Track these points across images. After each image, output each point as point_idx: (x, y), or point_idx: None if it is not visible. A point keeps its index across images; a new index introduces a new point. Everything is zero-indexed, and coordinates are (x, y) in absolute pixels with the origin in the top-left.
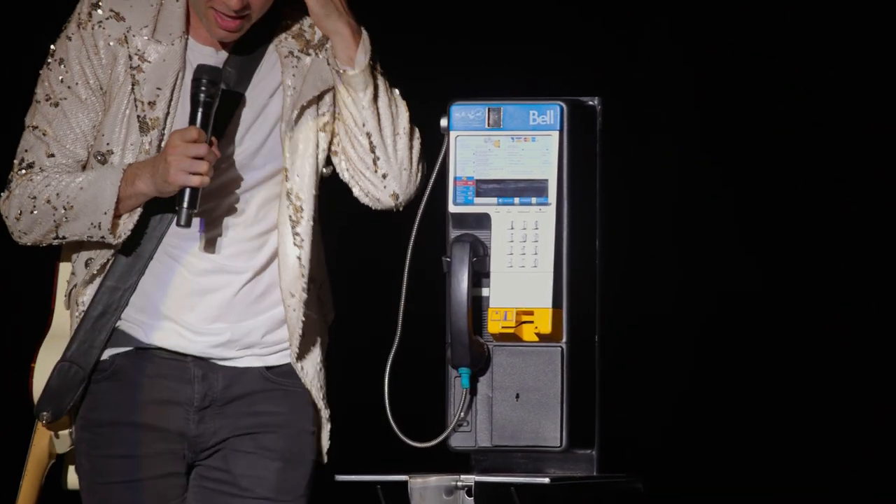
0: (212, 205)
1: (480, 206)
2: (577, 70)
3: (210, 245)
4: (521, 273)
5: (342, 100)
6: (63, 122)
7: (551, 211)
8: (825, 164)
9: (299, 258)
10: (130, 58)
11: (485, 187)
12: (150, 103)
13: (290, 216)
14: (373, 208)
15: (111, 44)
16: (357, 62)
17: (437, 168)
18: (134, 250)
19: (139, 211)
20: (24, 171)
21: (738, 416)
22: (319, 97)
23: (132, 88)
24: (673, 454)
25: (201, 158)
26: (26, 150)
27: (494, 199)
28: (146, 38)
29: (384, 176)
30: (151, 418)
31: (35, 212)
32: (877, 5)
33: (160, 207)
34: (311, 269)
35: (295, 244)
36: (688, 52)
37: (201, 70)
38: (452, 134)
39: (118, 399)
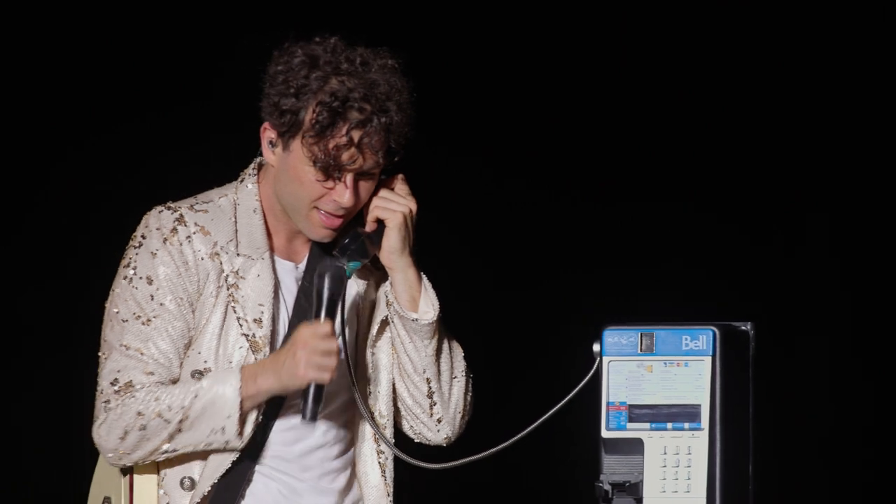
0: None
1: (633, 431)
2: (730, 294)
3: (304, 465)
4: (673, 499)
5: (402, 343)
6: (159, 339)
7: (704, 436)
8: None
9: (384, 475)
10: (225, 275)
11: (637, 412)
12: (255, 320)
13: (375, 435)
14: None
15: (202, 259)
16: (423, 311)
17: (579, 387)
18: (232, 470)
19: (256, 413)
20: (120, 392)
21: None
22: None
23: (231, 307)
24: None
25: (329, 354)
26: (118, 371)
27: (647, 425)
28: (234, 252)
29: (439, 420)
30: None
31: (144, 428)
32: None
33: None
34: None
35: (379, 462)
36: (844, 274)
37: (325, 266)
38: (605, 359)
39: None
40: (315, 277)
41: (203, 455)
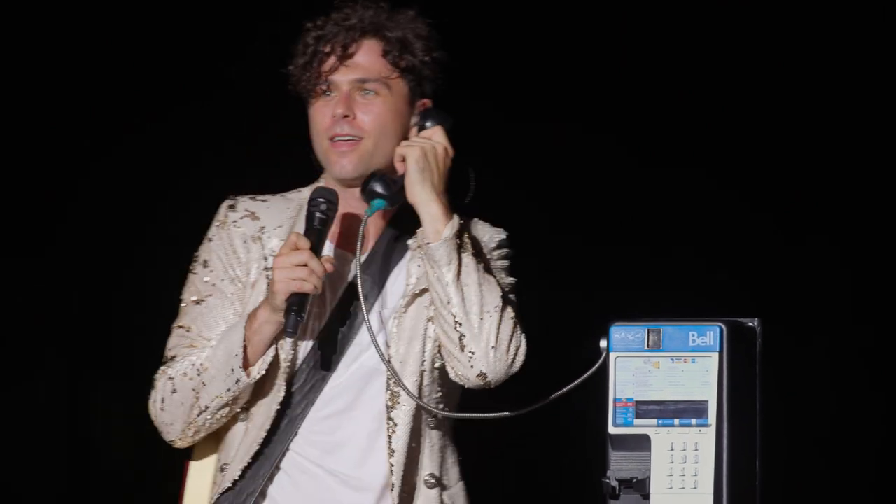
0: (342, 408)
1: (640, 427)
2: (737, 291)
3: (336, 455)
4: (680, 495)
5: (428, 279)
6: (207, 317)
7: (711, 432)
8: None
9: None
10: (265, 258)
11: (644, 409)
12: None
13: (387, 402)
14: (465, 387)
15: (246, 241)
16: (441, 234)
17: (585, 376)
18: (261, 454)
19: (272, 352)
20: (164, 366)
21: None
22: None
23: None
24: None
25: (304, 265)
26: (170, 349)
27: (654, 421)
28: (282, 238)
29: (471, 355)
30: None
31: (175, 392)
32: None
33: (293, 412)
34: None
35: (388, 430)
36: (851, 271)
37: (319, 191)
38: (612, 355)
39: None
40: (308, 202)
41: (234, 439)
